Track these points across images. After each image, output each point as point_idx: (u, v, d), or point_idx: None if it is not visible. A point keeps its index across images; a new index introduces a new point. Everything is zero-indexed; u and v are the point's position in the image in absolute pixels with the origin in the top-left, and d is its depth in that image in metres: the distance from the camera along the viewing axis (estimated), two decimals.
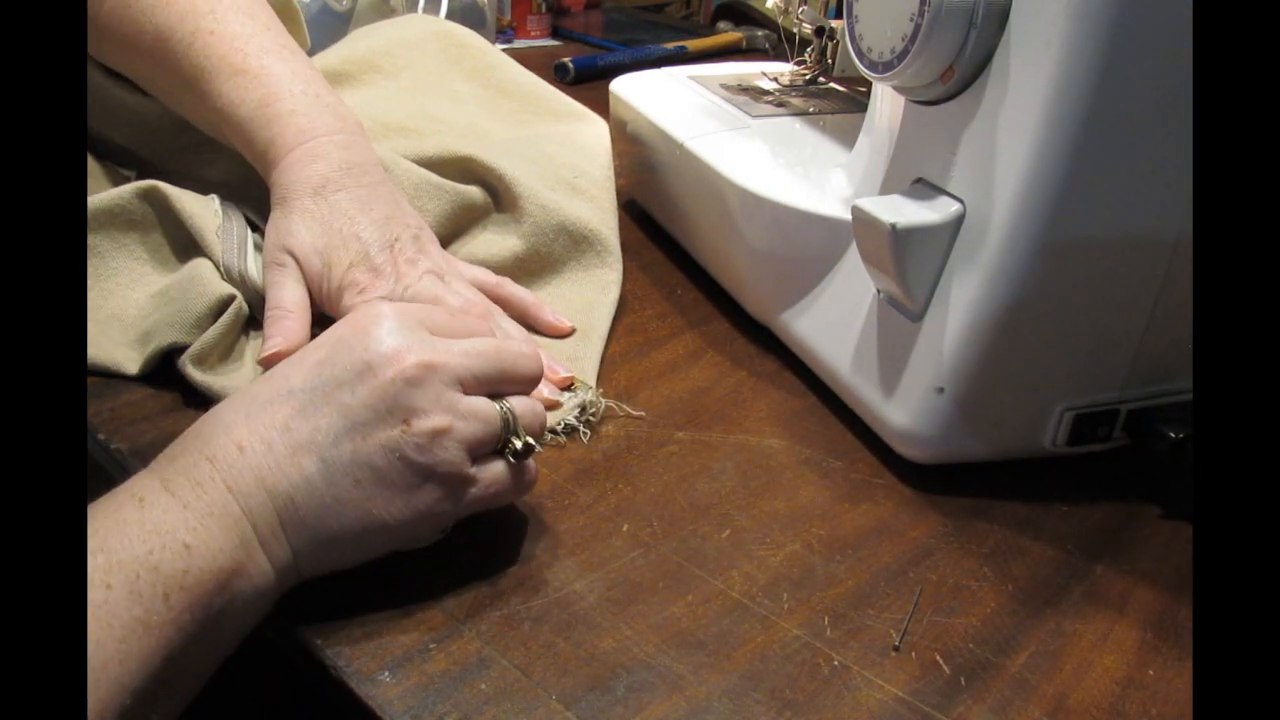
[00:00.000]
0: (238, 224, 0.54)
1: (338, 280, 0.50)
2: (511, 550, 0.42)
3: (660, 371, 0.56)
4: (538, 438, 0.41)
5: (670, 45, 1.21)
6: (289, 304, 0.49)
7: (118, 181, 0.54)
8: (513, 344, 0.42)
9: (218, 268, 0.51)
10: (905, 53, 0.44)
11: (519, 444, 0.39)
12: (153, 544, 0.32)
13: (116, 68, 0.59)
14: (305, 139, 0.52)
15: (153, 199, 0.53)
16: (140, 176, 0.54)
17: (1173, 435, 0.46)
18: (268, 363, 0.47)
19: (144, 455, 0.44)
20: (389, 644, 0.37)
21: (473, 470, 0.38)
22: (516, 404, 0.40)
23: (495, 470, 0.39)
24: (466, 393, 0.39)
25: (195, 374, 0.47)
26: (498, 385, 0.40)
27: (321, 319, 0.51)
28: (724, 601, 0.41)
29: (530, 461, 0.41)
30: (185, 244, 0.53)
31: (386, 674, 0.36)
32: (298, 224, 0.50)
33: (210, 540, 0.34)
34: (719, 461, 0.49)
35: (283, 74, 0.53)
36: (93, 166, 0.60)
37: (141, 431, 0.46)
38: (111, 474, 0.45)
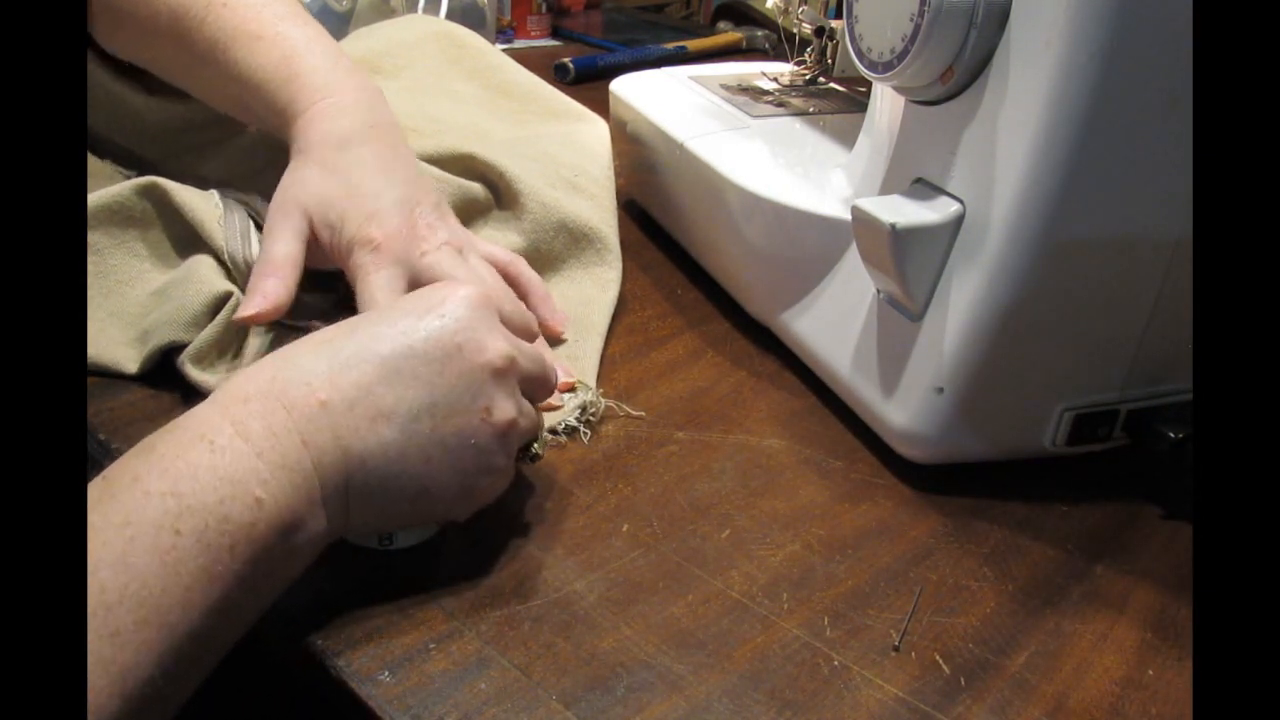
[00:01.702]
0: (239, 215, 0.53)
1: (350, 234, 0.49)
2: (511, 550, 0.42)
3: (660, 371, 0.56)
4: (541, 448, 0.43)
5: (670, 45, 1.21)
6: (279, 259, 0.48)
7: (118, 180, 0.54)
8: (549, 359, 0.43)
9: (220, 257, 0.51)
10: (905, 53, 0.44)
11: (537, 449, 0.42)
12: (224, 493, 0.32)
13: (133, 56, 0.59)
14: (327, 94, 0.51)
15: (152, 195, 0.53)
16: (140, 175, 0.54)
17: (1173, 435, 0.46)
18: (240, 323, 0.47)
19: None
20: (389, 644, 0.37)
21: (511, 467, 0.40)
22: (535, 413, 0.42)
23: (513, 468, 0.41)
24: (522, 392, 0.40)
25: (194, 372, 0.47)
26: (540, 394, 0.42)
27: (313, 277, 0.51)
28: (724, 601, 0.41)
29: None
30: (185, 241, 0.53)
31: (386, 674, 0.36)
32: (314, 174, 0.50)
33: (280, 494, 0.34)
34: (719, 461, 0.49)
35: (300, 37, 0.53)
36: (94, 165, 0.60)
37: (141, 431, 0.45)
38: None
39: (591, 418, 0.50)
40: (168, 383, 0.48)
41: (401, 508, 0.38)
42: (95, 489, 0.31)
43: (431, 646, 0.37)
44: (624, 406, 0.52)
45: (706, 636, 0.39)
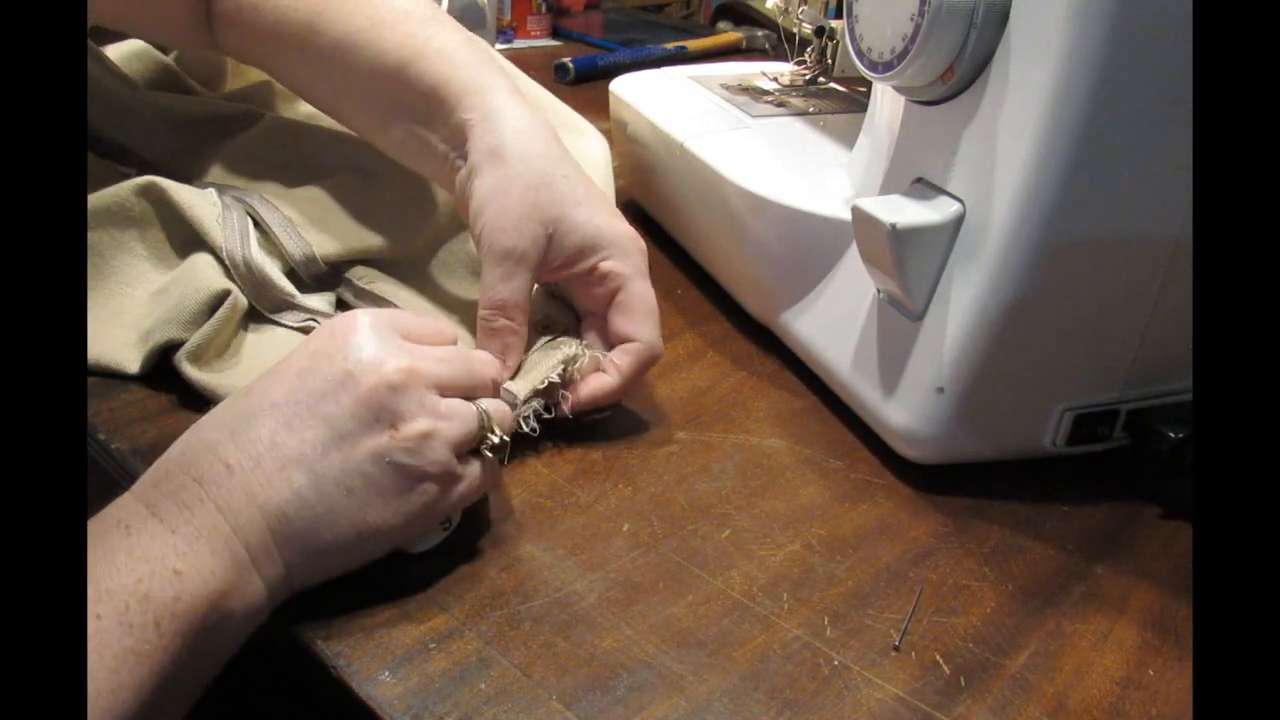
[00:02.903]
0: (238, 214, 0.53)
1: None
2: (511, 550, 0.42)
3: (660, 371, 0.56)
4: (508, 434, 0.42)
5: (670, 45, 1.21)
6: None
7: (117, 179, 0.54)
8: (479, 354, 0.43)
9: (219, 256, 0.51)
10: (905, 53, 0.44)
11: (495, 439, 0.41)
12: (141, 572, 0.32)
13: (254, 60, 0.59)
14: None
15: (151, 195, 0.52)
16: (140, 174, 0.54)
17: (1173, 435, 0.46)
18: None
19: (144, 455, 0.44)
20: (389, 644, 0.37)
21: (458, 469, 0.39)
22: (487, 404, 0.41)
23: (475, 467, 0.40)
24: (443, 395, 0.39)
25: (191, 371, 0.47)
26: (469, 390, 0.41)
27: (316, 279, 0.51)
28: (724, 601, 0.41)
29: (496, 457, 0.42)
30: (185, 240, 0.53)
31: (386, 674, 0.36)
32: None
33: (201, 564, 0.33)
34: (719, 461, 0.49)
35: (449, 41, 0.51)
36: (92, 164, 0.60)
37: (141, 431, 0.46)
38: (111, 474, 0.45)
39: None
40: (167, 382, 0.48)
41: (345, 547, 0.37)
42: None
43: (431, 646, 0.37)
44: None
45: (706, 636, 0.39)
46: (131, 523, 0.33)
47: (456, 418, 0.39)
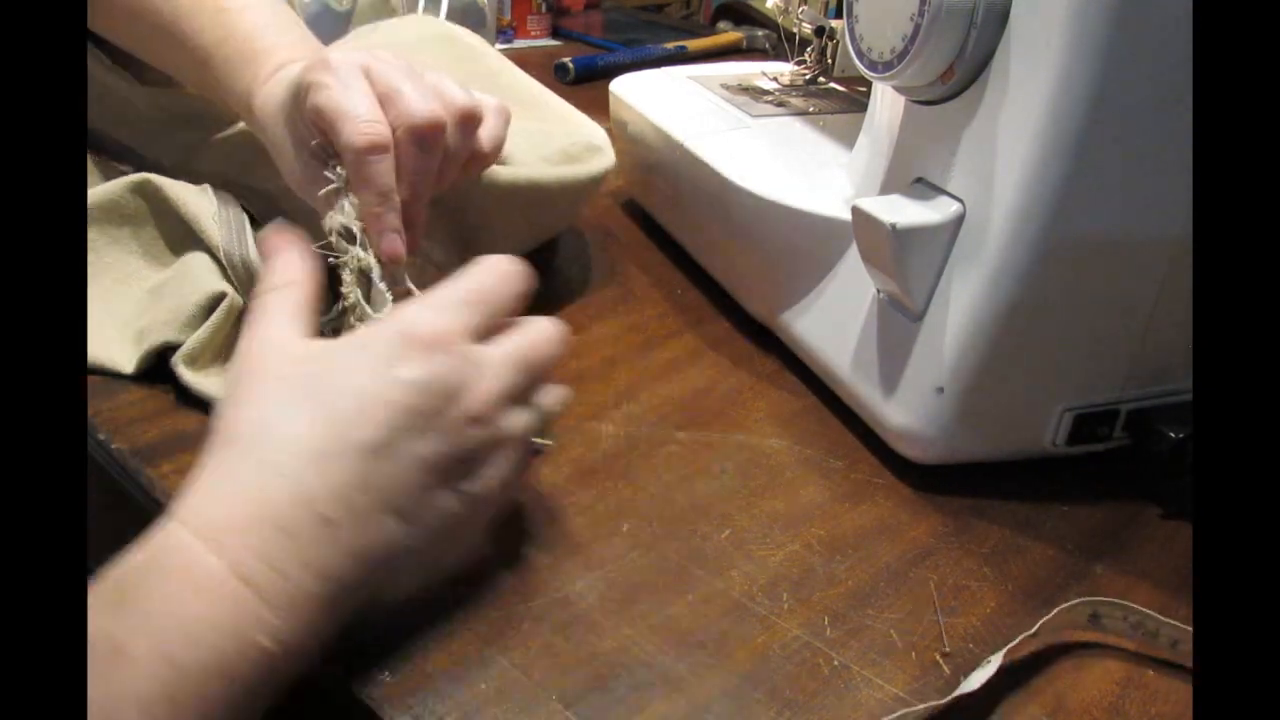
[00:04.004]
0: (234, 211, 0.53)
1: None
2: (511, 550, 0.42)
3: (660, 371, 0.56)
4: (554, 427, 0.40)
5: (670, 45, 1.21)
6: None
7: (113, 176, 0.54)
8: (543, 331, 0.39)
9: (216, 255, 0.51)
10: (905, 53, 0.44)
11: (540, 445, 0.40)
12: (226, 649, 0.28)
13: (103, 31, 0.59)
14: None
15: (146, 192, 0.52)
16: (137, 171, 0.54)
17: (1173, 435, 0.46)
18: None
19: (144, 455, 0.44)
20: (389, 644, 0.37)
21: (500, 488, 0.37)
22: (549, 401, 0.39)
23: (516, 485, 0.39)
24: (513, 402, 0.37)
25: (187, 375, 0.47)
26: (532, 387, 0.38)
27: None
28: (724, 601, 0.41)
29: None
30: (180, 238, 0.53)
31: (386, 674, 0.36)
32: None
33: (292, 637, 0.30)
34: (719, 461, 0.49)
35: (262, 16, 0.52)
36: (89, 161, 0.60)
37: (141, 431, 0.46)
38: (111, 474, 0.45)
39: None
40: (168, 383, 0.48)
41: (408, 586, 0.37)
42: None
43: (431, 646, 0.37)
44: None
45: (706, 636, 0.39)
46: (206, 583, 0.29)
47: (516, 444, 0.37)
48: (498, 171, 0.56)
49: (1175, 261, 0.44)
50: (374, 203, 0.42)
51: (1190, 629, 0.39)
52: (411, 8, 0.97)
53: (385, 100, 0.43)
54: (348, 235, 0.43)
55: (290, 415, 0.33)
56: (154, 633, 0.28)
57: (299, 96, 0.44)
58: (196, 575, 0.29)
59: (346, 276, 0.43)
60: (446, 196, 0.53)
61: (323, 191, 0.43)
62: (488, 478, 0.36)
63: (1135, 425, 0.48)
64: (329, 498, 0.31)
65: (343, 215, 0.43)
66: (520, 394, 0.37)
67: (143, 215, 0.53)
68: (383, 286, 0.42)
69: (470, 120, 0.46)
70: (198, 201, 0.52)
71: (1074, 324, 0.45)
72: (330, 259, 0.43)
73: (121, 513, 0.48)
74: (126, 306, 0.51)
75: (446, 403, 0.34)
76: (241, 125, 0.62)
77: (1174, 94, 0.40)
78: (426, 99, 0.43)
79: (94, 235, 0.52)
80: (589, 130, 0.66)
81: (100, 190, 0.52)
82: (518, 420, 0.37)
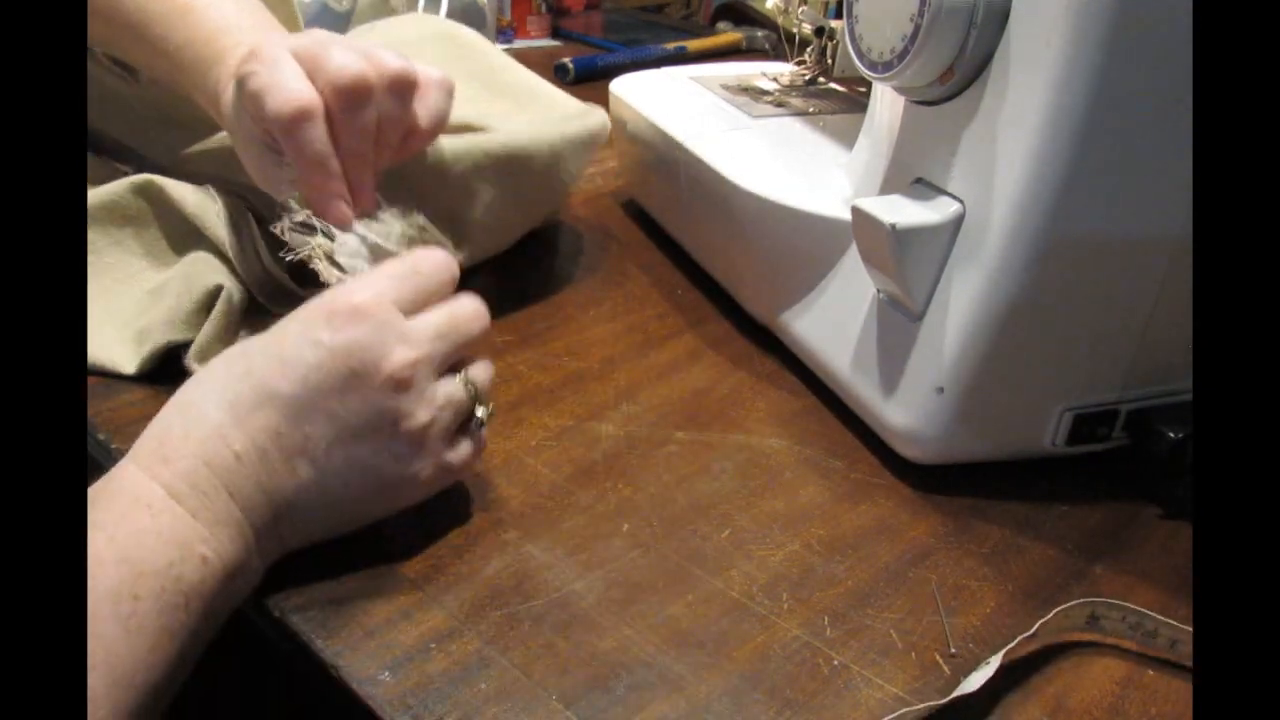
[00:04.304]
0: (238, 209, 0.53)
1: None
2: (511, 550, 0.42)
3: (660, 371, 0.56)
4: (489, 397, 0.42)
5: (670, 45, 1.21)
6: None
7: (114, 177, 0.54)
8: (466, 307, 0.41)
9: (221, 253, 0.51)
10: (905, 53, 0.44)
11: (482, 414, 0.42)
12: (173, 556, 0.33)
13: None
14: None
15: (149, 193, 0.52)
16: (138, 171, 0.54)
17: (1172, 435, 0.46)
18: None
19: None
20: (389, 644, 0.37)
21: (449, 456, 0.41)
22: (476, 374, 0.42)
23: (465, 449, 0.41)
24: (438, 374, 0.40)
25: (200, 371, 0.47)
26: (459, 359, 0.41)
27: None
28: (724, 601, 0.41)
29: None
30: (182, 237, 0.53)
31: (386, 674, 0.36)
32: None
33: (222, 549, 0.35)
34: (719, 461, 0.49)
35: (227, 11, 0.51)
36: (91, 162, 0.60)
37: (141, 431, 0.46)
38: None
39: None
40: (167, 382, 0.48)
41: (335, 526, 0.40)
42: None
43: (431, 646, 0.37)
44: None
45: (706, 636, 0.39)
46: (152, 503, 0.34)
47: (450, 406, 0.40)
48: (479, 139, 0.56)
49: (1175, 261, 0.44)
50: (312, 171, 0.43)
51: (1189, 629, 0.39)
52: (411, 7, 0.97)
53: (313, 69, 0.43)
54: (306, 229, 0.44)
55: (223, 373, 0.38)
56: (113, 539, 0.33)
57: (239, 91, 0.45)
58: (141, 495, 0.34)
59: (319, 266, 0.43)
60: (424, 176, 0.52)
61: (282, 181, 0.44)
62: (418, 438, 0.39)
63: (1135, 425, 0.48)
64: (240, 437, 0.36)
65: (290, 213, 0.44)
66: (444, 363, 0.40)
67: (145, 216, 0.53)
68: (357, 260, 0.43)
69: (402, 85, 0.45)
70: (200, 200, 0.52)
71: (1073, 324, 0.45)
72: (297, 255, 0.44)
73: None
74: (128, 307, 0.51)
75: (364, 366, 0.37)
76: None
77: (1174, 94, 0.40)
78: (353, 61, 0.43)
79: (95, 236, 0.52)
80: (594, 114, 0.65)
81: (102, 191, 0.52)
82: (444, 388, 0.40)
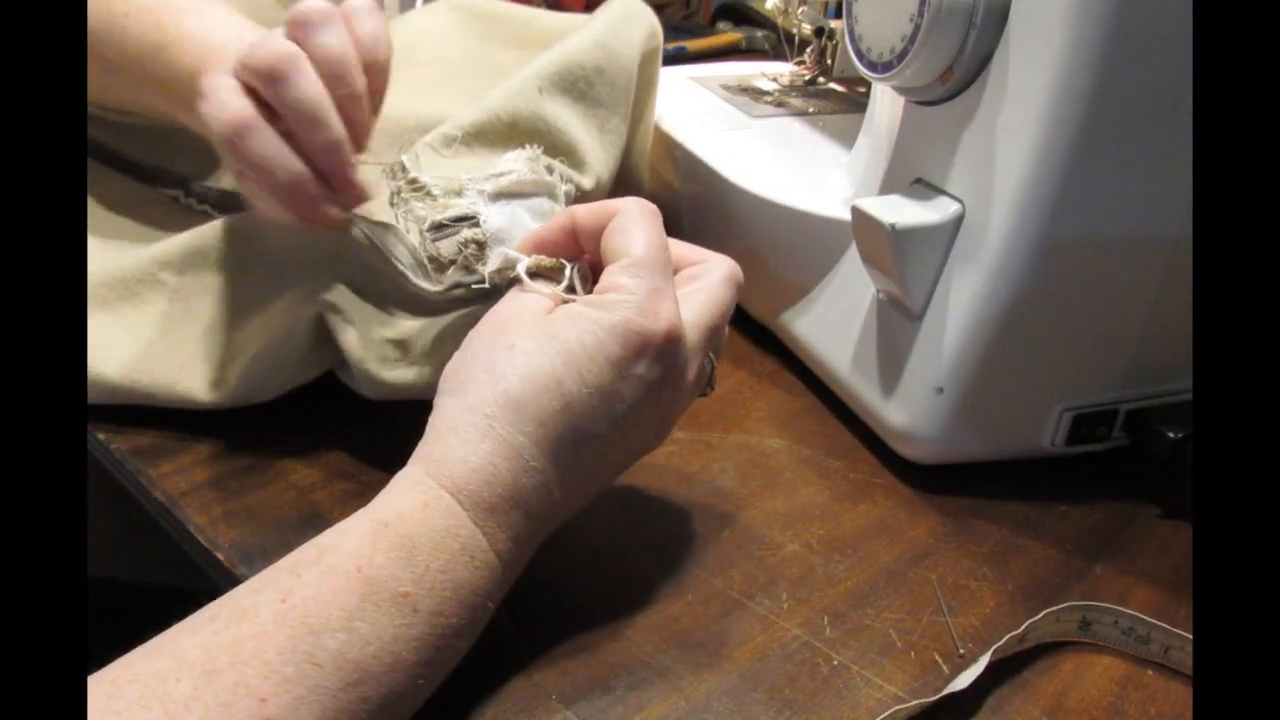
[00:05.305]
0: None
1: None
2: None
3: None
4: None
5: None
6: None
7: (164, 202, 0.52)
8: (723, 302, 0.41)
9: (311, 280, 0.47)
10: (905, 53, 0.44)
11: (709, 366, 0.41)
12: (476, 606, 0.34)
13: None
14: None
15: (236, 235, 0.50)
16: (184, 193, 0.52)
17: (1172, 435, 0.46)
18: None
19: (144, 455, 0.44)
20: None
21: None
22: (718, 347, 0.41)
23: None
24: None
25: (385, 373, 0.44)
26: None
27: None
28: (724, 601, 0.41)
29: None
30: (268, 277, 0.50)
31: None
32: None
33: (501, 591, 0.35)
34: (719, 461, 0.49)
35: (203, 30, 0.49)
36: (135, 189, 0.58)
37: (142, 431, 0.46)
38: (112, 474, 0.45)
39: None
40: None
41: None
42: (350, 580, 0.31)
43: None
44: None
45: (706, 636, 0.39)
46: (475, 555, 0.34)
47: (699, 384, 0.40)
48: (529, 68, 0.51)
49: (1175, 261, 0.44)
50: (267, 176, 0.41)
51: (1182, 634, 0.39)
52: (409, 7, 0.97)
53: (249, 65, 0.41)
54: (420, 197, 0.42)
55: (535, 406, 0.35)
56: (433, 589, 0.32)
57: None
58: (465, 544, 0.34)
59: (516, 273, 0.40)
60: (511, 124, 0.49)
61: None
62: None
63: (1134, 425, 0.48)
64: (560, 483, 0.36)
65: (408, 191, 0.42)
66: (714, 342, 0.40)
67: (232, 261, 0.50)
68: (515, 229, 0.42)
69: (326, 15, 0.42)
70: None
71: (1073, 324, 0.45)
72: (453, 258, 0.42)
73: (121, 513, 0.48)
74: (216, 351, 0.48)
75: (665, 394, 0.37)
76: None
77: (1174, 94, 0.40)
78: (275, 37, 0.41)
79: (185, 281, 0.50)
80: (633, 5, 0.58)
81: (188, 237, 0.50)
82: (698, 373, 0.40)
